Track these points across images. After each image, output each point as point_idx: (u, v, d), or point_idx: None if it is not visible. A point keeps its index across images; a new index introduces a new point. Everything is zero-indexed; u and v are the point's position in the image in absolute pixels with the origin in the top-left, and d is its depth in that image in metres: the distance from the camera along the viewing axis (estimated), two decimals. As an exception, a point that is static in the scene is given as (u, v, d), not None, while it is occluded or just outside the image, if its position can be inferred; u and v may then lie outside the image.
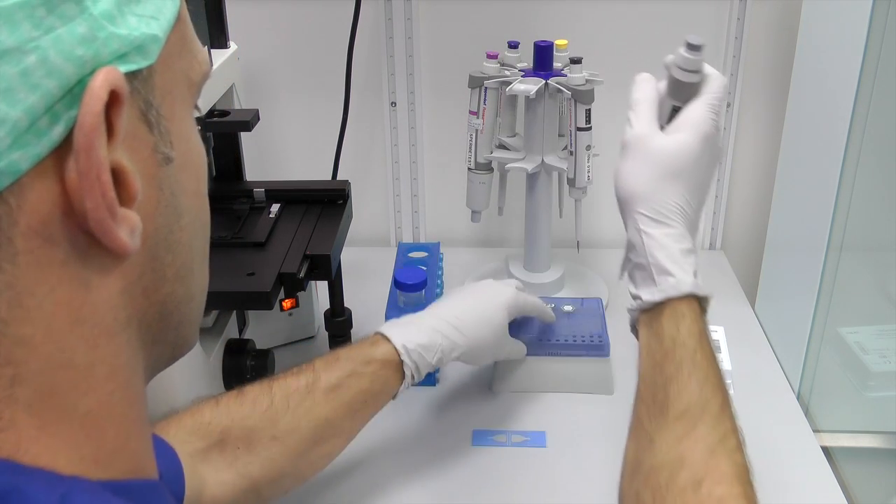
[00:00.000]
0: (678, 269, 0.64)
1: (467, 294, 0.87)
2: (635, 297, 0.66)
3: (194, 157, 0.41)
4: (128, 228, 0.34)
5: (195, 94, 0.41)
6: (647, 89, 0.70)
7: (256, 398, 0.70)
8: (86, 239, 0.34)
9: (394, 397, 0.78)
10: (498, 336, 0.85)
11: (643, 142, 0.68)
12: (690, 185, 0.67)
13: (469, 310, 0.83)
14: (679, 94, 0.70)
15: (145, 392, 0.40)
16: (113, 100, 0.33)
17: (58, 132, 0.32)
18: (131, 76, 0.34)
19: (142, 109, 0.36)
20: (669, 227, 0.66)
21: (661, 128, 0.70)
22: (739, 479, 0.55)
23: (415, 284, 0.94)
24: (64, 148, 0.32)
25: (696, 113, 0.68)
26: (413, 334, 0.78)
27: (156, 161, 0.37)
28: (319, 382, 0.73)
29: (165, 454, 0.59)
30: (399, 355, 0.76)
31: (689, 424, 0.58)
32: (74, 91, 0.32)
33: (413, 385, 0.78)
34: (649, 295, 0.64)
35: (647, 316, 0.65)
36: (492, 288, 0.88)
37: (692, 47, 0.67)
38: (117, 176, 0.34)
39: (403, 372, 0.76)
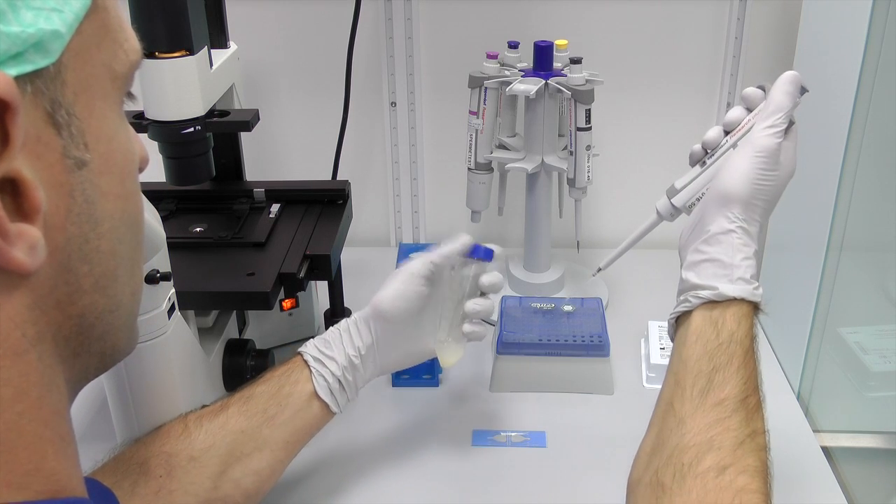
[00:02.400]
0: (753, 276, 0.66)
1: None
2: (705, 288, 0.66)
3: (118, 158, 0.37)
4: (25, 246, 0.31)
5: (122, 86, 0.38)
6: (793, 95, 0.70)
7: (171, 428, 0.70)
8: None
9: (332, 410, 0.74)
10: (418, 297, 0.77)
11: (776, 153, 0.68)
12: (775, 205, 0.70)
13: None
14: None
15: (68, 408, 0.37)
16: (3, 107, 0.29)
17: None
18: (33, 76, 0.31)
19: (48, 111, 0.32)
20: (752, 237, 0.68)
21: None
22: (762, 475, 0.56)
23: None
24: None
25: (790, 144, 0.70)
26: (315, 340, 0.78)
27: (65, 167, 0.33)
28: (232, 399, 0.73)
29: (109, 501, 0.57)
30: (301, 357, 0.76)
31: (724, 412, 0.59)
32: None
33: (339, 395, 0.75)
34: (727, 290, 0.65)
35: (709, 306, 0.65)
36: (403, 270, 0.79)
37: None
38: (16, 187, 0.31)
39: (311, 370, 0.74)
